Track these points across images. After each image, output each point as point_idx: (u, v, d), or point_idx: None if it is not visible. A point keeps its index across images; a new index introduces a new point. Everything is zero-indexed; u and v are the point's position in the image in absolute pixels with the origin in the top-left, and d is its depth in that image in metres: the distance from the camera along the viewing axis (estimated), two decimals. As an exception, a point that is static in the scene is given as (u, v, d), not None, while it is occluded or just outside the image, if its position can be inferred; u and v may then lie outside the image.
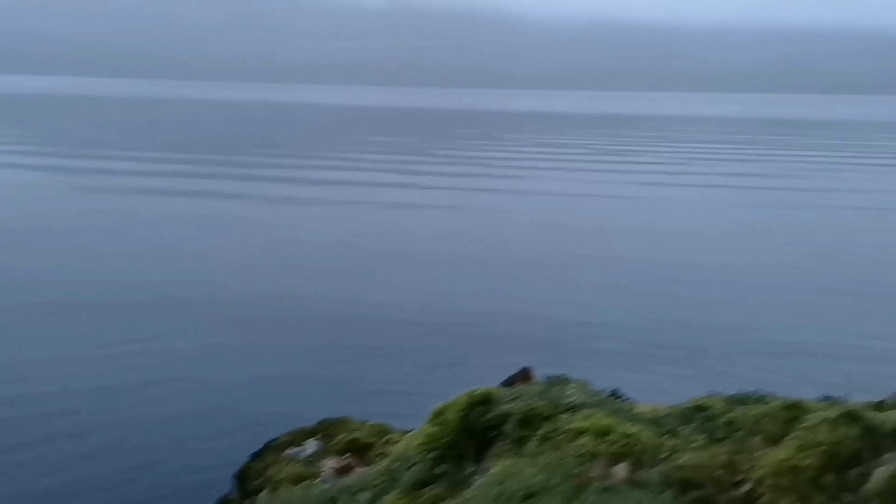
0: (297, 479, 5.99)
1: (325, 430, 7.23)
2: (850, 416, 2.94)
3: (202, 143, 41.83)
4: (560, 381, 4.05)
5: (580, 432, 3.19)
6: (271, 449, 6.99)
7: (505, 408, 3.48)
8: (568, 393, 3.71)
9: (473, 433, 3.56)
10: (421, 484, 3.63)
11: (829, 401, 3.96)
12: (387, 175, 27.99)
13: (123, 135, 45.59)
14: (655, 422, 3.38)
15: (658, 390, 7.11)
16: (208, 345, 9.54)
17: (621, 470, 2.97)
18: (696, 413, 3.43)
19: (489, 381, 4.36)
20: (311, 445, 6.92)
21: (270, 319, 10.55)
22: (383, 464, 4.01)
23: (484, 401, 3.58)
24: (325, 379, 8.77)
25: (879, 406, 4.01)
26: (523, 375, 4.84)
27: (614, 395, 3.85)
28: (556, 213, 20.25)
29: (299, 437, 7.23)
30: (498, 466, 3.09)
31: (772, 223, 19.04)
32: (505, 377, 4.86)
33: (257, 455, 6.88)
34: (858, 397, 4.35)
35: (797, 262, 14.53)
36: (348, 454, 6.49)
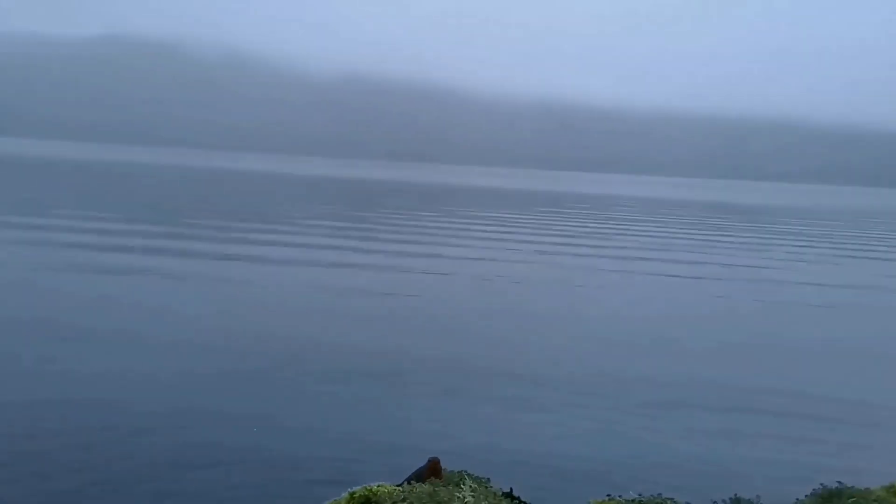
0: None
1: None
2: (746, 529, 2.75)
3: (140, 207, 41.02)
4: (455, 478, 3.78)
5: (462, 543, 2.92)
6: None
7: (386, 513, 3.19)
8: (459, 495, 3.44)
9: (352, 540, 3.24)
10: None
11: (738, 502, 3.77)
12: (330, 240, 28.42)
13: (48, 196, 44.52)
14: (547, 530, 3.13)
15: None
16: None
17: (502, 589, 2.69)
18: (592, 520, 3.19)
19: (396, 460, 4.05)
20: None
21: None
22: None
23: (365, 502, 3.28)
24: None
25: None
26: (431, 468, 4.55)
27: (509, 496, 3.59)
28: (481, 277, 20.67)
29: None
30: (369, 583, 2.77)
31: (694, 297, 19.44)
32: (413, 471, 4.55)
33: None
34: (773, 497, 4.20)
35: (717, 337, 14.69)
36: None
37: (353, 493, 3.41)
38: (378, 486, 3.54)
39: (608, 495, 3.45)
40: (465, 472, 3.92)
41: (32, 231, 26.62)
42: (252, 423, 8.90)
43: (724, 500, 3.29)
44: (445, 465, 4.44)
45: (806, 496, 3.78)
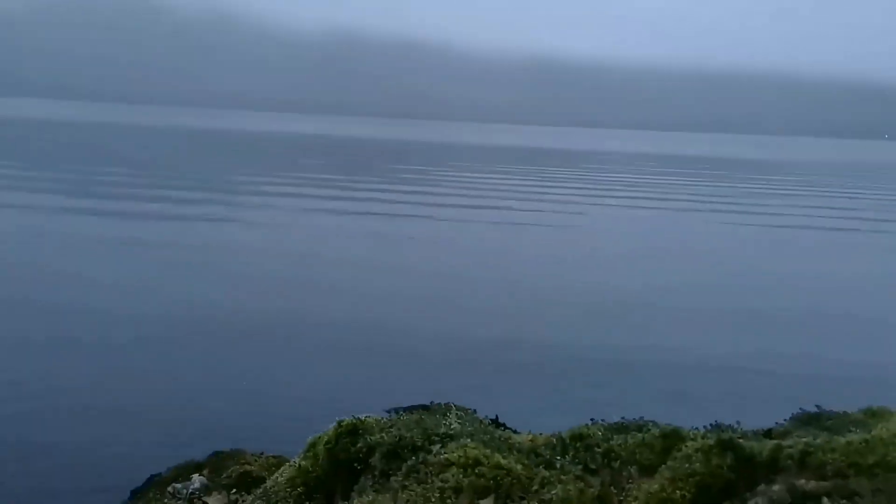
0: (176, 518, 5.57)
1: (214, 463, 6.78)
2: (725, 446, 2.80)
3: (132, 165, 40.58)
4: (442, 409, 3.83)
5: (448, 464, 2.97)
6: (154, 485, 6.48)
7: (373, 439, 3.23)
8: (446, 422, 3.48)
9: (341, 467, 3.30)
10: (282, 523, 3.33)
11: (714, 428, 3.85)
12: (316, 201, 27.81)
13: (50, 156, 43.88)
14: (532, 452, 3.18)
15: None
16: (92, 367, 8.97)
17: (487, 505, 2.75)
18: (575, 442, 3.24)
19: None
20: (196, 480, 6.48)
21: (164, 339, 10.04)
22: (247, 501, 3.69)
23: (352, 431, 3.32)
24: (226, 406, 8.31)
25: (767, 434, 3.92)
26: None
27: (495, 423, 3.65)
28: (478, 239, 20.46)
29: (186, 470, 6.76)
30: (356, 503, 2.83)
31: (686, 246, 19.56)
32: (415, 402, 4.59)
33: (138, 492, 6.35)
34: (752, 424, 4.28)
35: (710, 283, 14.86)
36: (235, 490, 6.09)
37: (341, 422, 3.44)
38: (366, 417, 3.58)
39: (591, 419, 3.50)
40: (452, 403, 3.96)
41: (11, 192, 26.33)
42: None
43: (705, 427, 3.34)
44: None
45: (785, 420, 3.84)
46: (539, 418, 4.60)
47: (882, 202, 37.99)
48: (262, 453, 6.84)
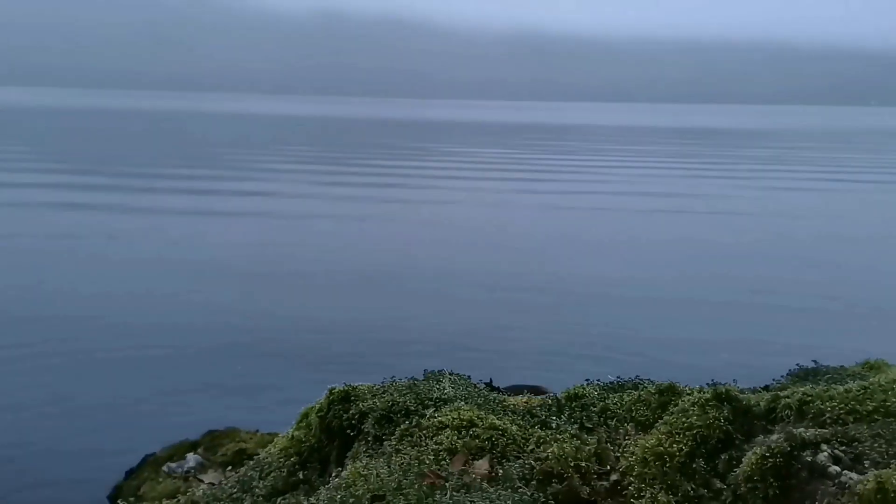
0: (172, 496, 5.52)
1: (209, 441, 6.75)
2: (722, 398, 2.76)
3: (113, 154, 40.16)
4: (435, 376, 3.79)
5: (442, 427, 2.92)
6: (149, 464, 6.44)
7: (365, 405, 3.18)
8: (439, 387, 3.44)
9: (334, 434, 3.25)
10: (277, 493, 3.29)
11: (710, 385, 3.82)
12: (304, 187, 27.30)
13: (27, 145, 43.32)
14: (527, 412, 3.15)
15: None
16: (82, 354, 8.90)
17: (482, 465, 2.71)
18: (571, 402, 3.21)
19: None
20: (191, 459, 6.44)
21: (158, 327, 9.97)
22: (240, 472, 3.65)
23: (344, 398, 3.27)
24: (221, 387, 8.27)
25: (765, 389, 3.90)
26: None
27: (489, 386, 3.61)
28: (471, 220, 20.25)
29: (181, 449, 6.72)
30: (350, 469, 2.78)
31: (674, 223, 19.48)
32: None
33: (133, 472, 6.30)
34: (744, 384, 4.26)
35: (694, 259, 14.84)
36: (230, 468, 6.04)
37: (332, 389, 3.40)
38: (358, 384, 3.53)
39: (587, 380, 3.47)
40: (446, 369, 3.91)
41: None
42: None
43: (701, 386, 3.31)
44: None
45: (782, 377, 3.82)
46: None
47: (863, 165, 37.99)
48: (257, 431, 6.81)
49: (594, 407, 3.12)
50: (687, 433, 2.67)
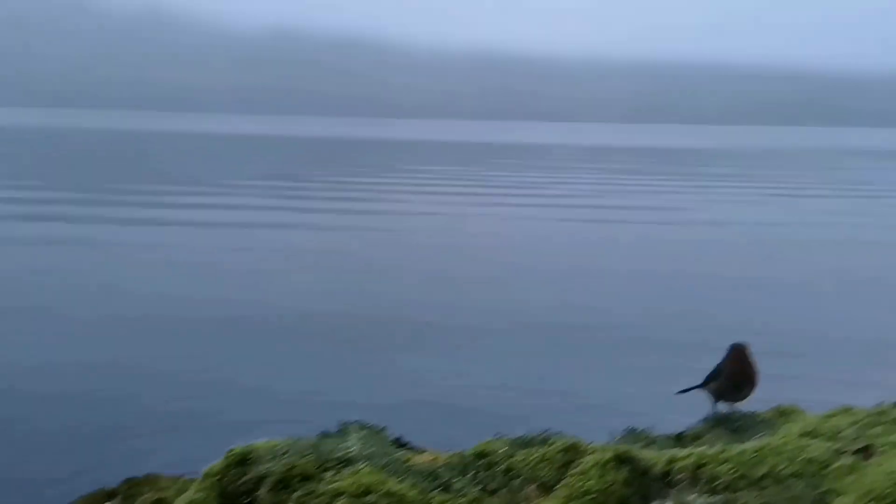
0: (84, 550, 5.28)
1: (128, 489, 6.50)
2: (621, 459, 2.72)
3: (67, 174, 39.16)
4: (346, 429, 3.67)
5: (338, 493, 2.82)
6: (64, 515, 6.15)
7: (263, 468, 3.06)
8: (344, 445, 3.33)
9: (230, 500, 3.11)
10: (172, 562, 3.13)
11: (625, 434, 3.78)
12: (267, 200, 27.37)
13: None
14: (430, 474, 3.06)
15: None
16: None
17: (375, 537, 2.61)
18: (477, 461, 3.13)
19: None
20: (108, 508, 6.19)
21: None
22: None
23: (242, 461, 3.14)
24: (148, 426, 7.96)
25: (679, 438, 3.88)
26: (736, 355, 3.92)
27: (397, 443, 3.51)
28: (427, 233, 20.29)
29: (98, 498, 6.47)
30: (239, 542, 2.65)
31: (611, 237, 19.70)
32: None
33: (47, 523, 6.02)
34: (668, 426, 4.22)
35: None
36: (148, 517, 5.79)
37: (231, 451, 3.26)
38: (261, 442, 3.40)
39: (496, 433, 3.40)
40: (359, 421, 3.81)
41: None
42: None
43: (607, 442, 3.25)
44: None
45: (698, 423, 3.81)
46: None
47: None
48: (181, 476, 6.56)
49: (499, 466, 3.05)
50: (585, 497, 2.61)
